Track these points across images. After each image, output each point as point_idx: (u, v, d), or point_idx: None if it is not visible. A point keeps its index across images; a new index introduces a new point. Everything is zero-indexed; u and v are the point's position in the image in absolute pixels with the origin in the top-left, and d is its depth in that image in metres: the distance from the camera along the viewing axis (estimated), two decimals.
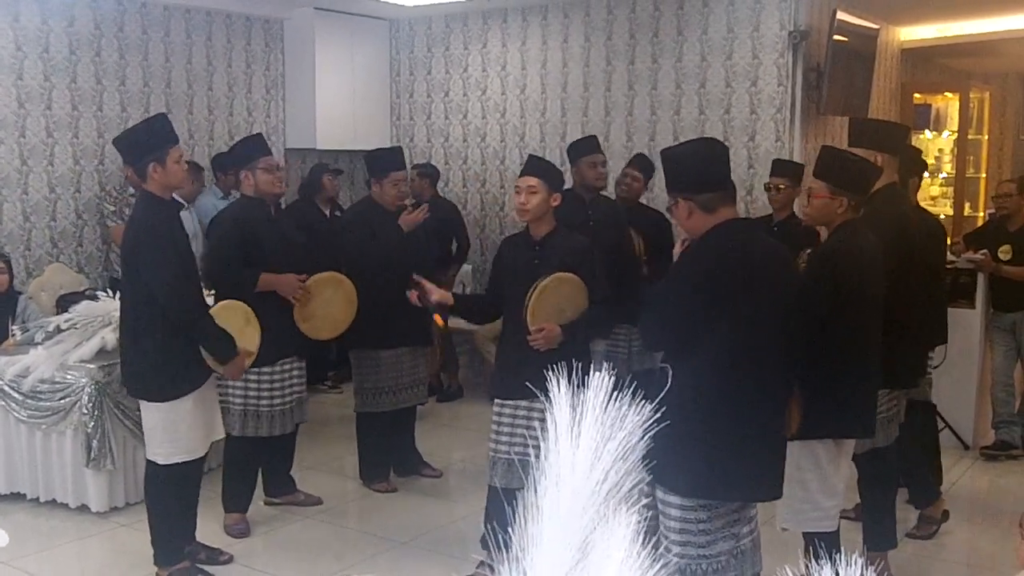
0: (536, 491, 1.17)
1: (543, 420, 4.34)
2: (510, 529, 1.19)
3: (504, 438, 4.35)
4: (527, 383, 4.17)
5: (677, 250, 3.47)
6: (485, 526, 4.42)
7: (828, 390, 3.67)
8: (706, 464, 3.12)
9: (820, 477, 3.82)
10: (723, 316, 3.12)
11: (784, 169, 5.97)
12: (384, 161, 5.70)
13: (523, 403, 4.29)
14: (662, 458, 3.18)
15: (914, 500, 5.26)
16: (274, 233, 5.06)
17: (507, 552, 1.18)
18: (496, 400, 4.44)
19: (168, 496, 4.51)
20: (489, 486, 4.47)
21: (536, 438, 4.46)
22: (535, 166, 4.42)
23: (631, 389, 1.20)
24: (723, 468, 3.13)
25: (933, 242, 4.94)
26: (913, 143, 9.29)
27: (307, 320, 5.12)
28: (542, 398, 4.49)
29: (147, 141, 4.26)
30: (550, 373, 4.16)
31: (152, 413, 4.39)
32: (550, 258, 4.32)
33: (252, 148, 5.14)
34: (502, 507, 4.42)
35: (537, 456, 4.13)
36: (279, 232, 5.11)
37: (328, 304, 5.20)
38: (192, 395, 4.37)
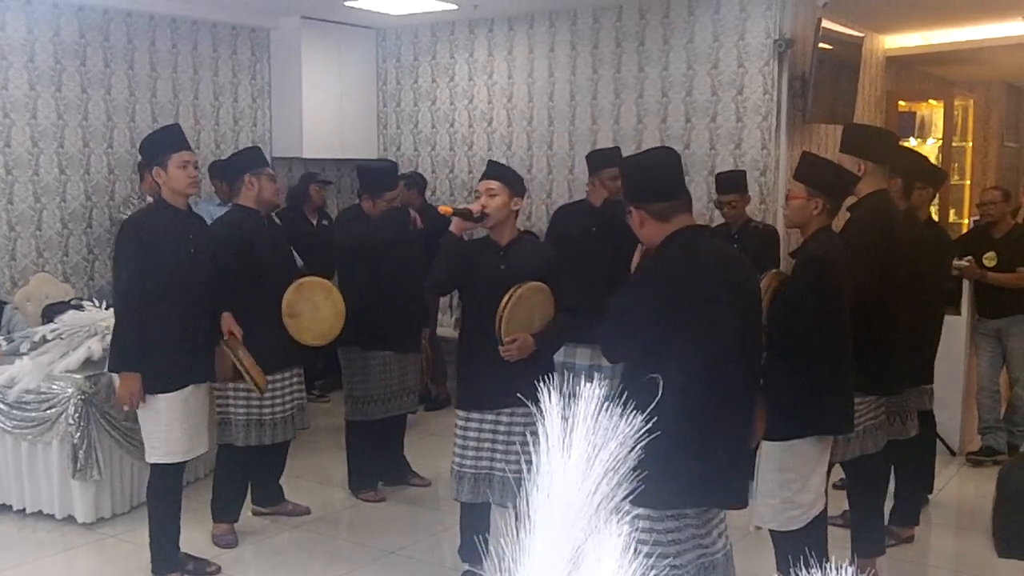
0: (526, 502, 1.17)
1: (510, 432, 4.32)
2: (497, 542, 1.19)
3: (471, 452, 4.28)
4: (497, 395, 4.18)
5: (635, 258, 3.44)
6: (475, 537, 4.39)
7: (810, 390, 3.72)
8: (674, 476, 3.00)
9: (801, 476, 3.84)
10: (682, 325, 3.10)
11: (731, 185, 6.09)
12: (380, 181, 5.68)
13: (490, 416, 4.25)
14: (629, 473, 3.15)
15: (892, 517, 5.20)
16: (268, 244, 5.06)
17: (496, 562, 1.18)
18: (460, 412, 4.34)
19: (156, 498, 4.56)
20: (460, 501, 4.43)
21: (506, 452, 4.44)
22: (495, 170, 4.39)
23: (623, 397, 1.20)
24: (688, 476, 3.09)
25: (929, 252, 4.92)
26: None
27: (293, 317, 5.04)
28: (509, 410, 4.44)
29: (155, 146, 4.46)
30: (520, 384, 4.08)
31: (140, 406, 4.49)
32: (517, 265, 4.25)
33: (259, 156, 5.24)
34: (481, 520, 4.41)
35: (509, 471, 4.09)
36: (273, 243, 5.13)
37: (317, 309, 5.14)
38: (167, 397, 4.40)
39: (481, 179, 4.39)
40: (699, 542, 3.20)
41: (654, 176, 3.28)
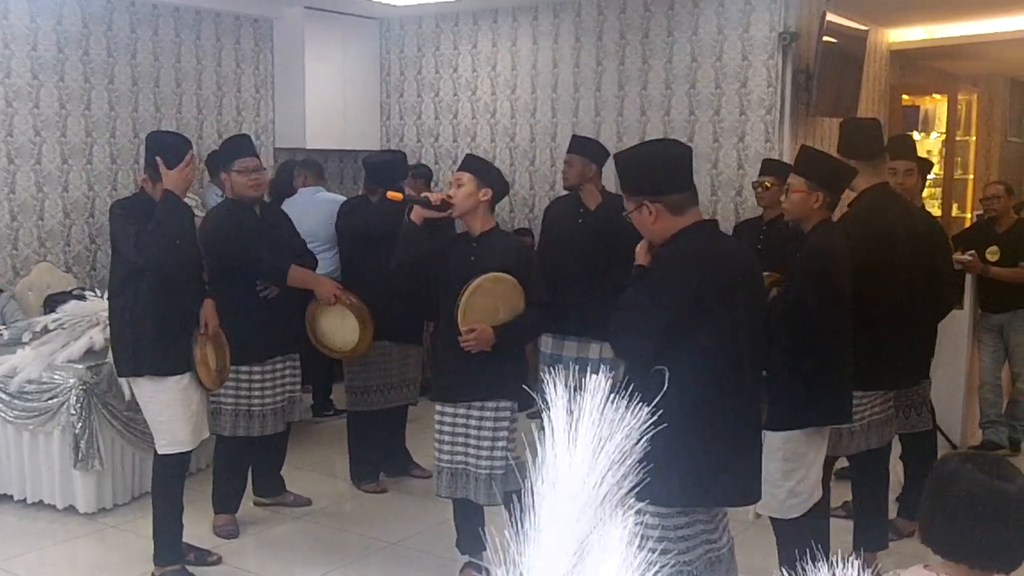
0: (531, 493, 1.16)
1: (480, 427, 4.31)
2: (500, 533, 1.18)
3: (446, 447, 4.30)
4: (464, 387, 4.20)
5: (639, 253, 3.31)
6: (470, 529, 4.40)
7: (813, 381, 3.76)
8: (685, 473, 2.99)
9: (804, 466, 3.89)
10: (704, 321, 3.04)
11: (771, 167, 5.96)
12: (394, 172, 5.77)
13: (461, 409, 4.26)
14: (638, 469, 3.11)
15: (899, 510, 5.18)
16: (262, 236, 5.02)
17: (500, 554, 1.18)
18: (437, 405, 4.35)
19: (161, 489, 4.55)
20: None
21: (478, 448, 4.44)
22: (467, 162, 4.40)
23: (629, 391, 1.19)
24: (703, 475, 3.05)
25: (926, 242, 4.84)
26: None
27: (315, 334, 5.33)
28: (479, 404, 4.42)
29: (157, 150, 4.37)
30: (487, 378, 4.08)
31: (138, 394, 4.51)
32: (487, 257, 4.24)
33: (231, 149, 5.11)
34: (475, 513, 4.42)
35: (479, 467, 4.09)
36: (268, 234, 5.07)
37: (342, 324, 5.30)
38: (164, 382, 4.39)
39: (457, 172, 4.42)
40: (707, 537, 3.17)
41: (669, 166, 3.20)
